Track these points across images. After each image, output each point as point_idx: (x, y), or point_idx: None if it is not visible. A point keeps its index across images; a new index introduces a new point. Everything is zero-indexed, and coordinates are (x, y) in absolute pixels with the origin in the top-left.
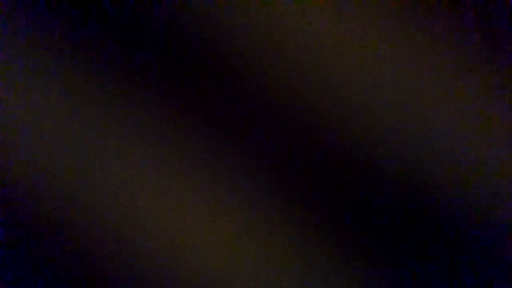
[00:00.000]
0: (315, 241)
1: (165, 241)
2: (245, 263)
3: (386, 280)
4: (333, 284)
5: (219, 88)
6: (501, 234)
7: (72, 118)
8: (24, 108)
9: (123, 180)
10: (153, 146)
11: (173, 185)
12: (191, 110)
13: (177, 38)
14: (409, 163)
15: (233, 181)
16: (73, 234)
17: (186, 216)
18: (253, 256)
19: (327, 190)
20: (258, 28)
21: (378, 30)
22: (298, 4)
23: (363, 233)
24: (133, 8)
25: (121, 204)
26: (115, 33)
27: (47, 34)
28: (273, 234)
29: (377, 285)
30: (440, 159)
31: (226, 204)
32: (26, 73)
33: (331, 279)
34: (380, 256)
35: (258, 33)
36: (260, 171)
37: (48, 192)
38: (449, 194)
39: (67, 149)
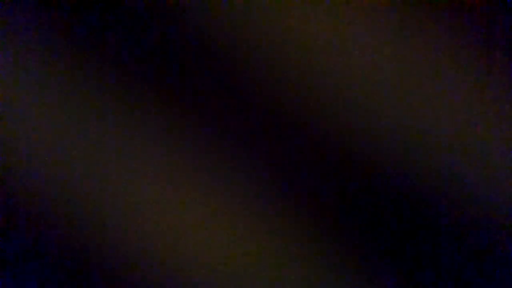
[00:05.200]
0: (315, 240)
1: (167, 241)
2: (245, 263)
3: (386, 279)
4: (334, 284)
5: (220, 89)
6: (501, 234)
7: (72, 119)
8: (25, 109)
9: (123, 180)
10: (154, 146)
11: (174, 186)
12: (192, 110)
13: (178, 38)
14: (410, 164)
15: (234, 182)
16: (73, 234)
17: (187, 216)
18: (253, 256)
19: (327, 190)
20: (258, 28)
21: (378, 30)
22: (299, 5)
23: (364, 234)
24: (133, 9)
25: (121, 204)
26: (115, 34)
27: (47, 34)
28: (274, 235)
29: (377, 284)
30: (440, 159)
31: (227, 205)
32: (26, 74)
33: (331, 279)
34: (380, 255)
35: (259, 34)
36: (260, 171)
37: (48, 192)
38: (449, 193)
39: (67, 149)
